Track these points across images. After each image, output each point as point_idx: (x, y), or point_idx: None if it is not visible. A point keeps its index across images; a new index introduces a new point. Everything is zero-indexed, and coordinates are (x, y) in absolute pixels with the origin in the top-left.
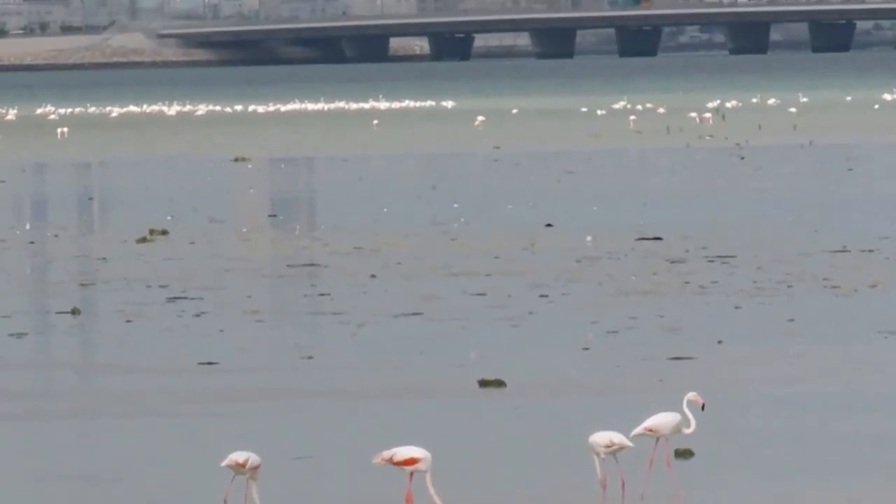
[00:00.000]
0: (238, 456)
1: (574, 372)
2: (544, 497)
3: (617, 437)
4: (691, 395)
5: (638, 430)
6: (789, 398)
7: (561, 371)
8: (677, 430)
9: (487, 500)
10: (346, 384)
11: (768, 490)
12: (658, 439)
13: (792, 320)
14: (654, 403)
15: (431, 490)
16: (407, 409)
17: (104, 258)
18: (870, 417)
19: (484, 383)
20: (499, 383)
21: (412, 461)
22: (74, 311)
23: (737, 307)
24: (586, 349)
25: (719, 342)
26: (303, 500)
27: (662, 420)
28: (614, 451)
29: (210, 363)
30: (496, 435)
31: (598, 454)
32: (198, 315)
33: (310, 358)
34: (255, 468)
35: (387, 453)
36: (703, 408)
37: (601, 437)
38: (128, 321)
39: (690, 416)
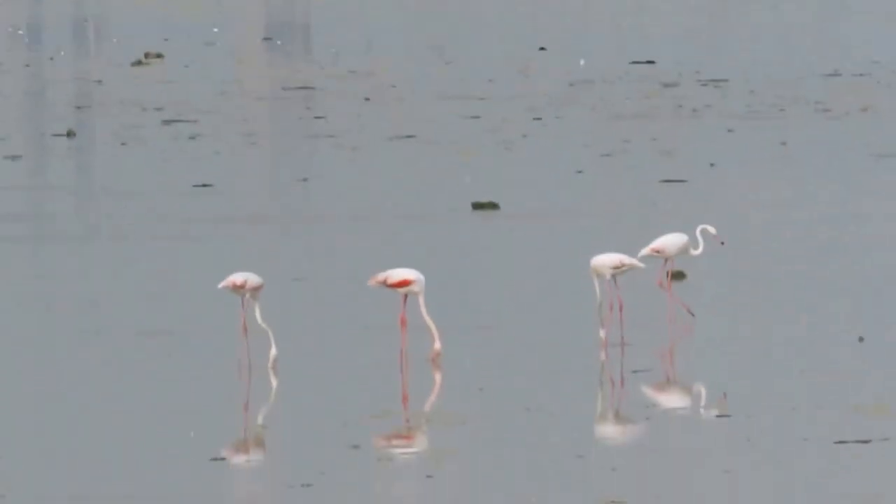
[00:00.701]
0: (237, 277)
1: (567, 195)
2: (537, 317)
3: (627, 259)
4: (709, 227)
5: (645, 251)
6: (781, 220)
7: (554, 194)
8: (684, 250)
9: (479, 320)
10: (341, 206)
11: (758, 310)
12: (666, 260)
13: (784, 143)
14: (647, 226)
15: (424, 312)
16: (401, 231)
17: (99, 81)
18: (860, 236)
19: (477, 206)
20: (492, 206)
21: (406, 283)
22: (70, 134)
23: (730, 130)
24: (580, 172)
25: (712, 165)
26: (299, 320)
27: (670, 241)
28: (622, 273)
29: (205, 185)
30: (489, 257)
31: (602, 276)
32: (192, 138)
33: (305, 180)
34: (256, 289)
35: (381, 276)
36: (721, 244)
37: (608, 259)
38: (123, 144)
39: (700, 238)
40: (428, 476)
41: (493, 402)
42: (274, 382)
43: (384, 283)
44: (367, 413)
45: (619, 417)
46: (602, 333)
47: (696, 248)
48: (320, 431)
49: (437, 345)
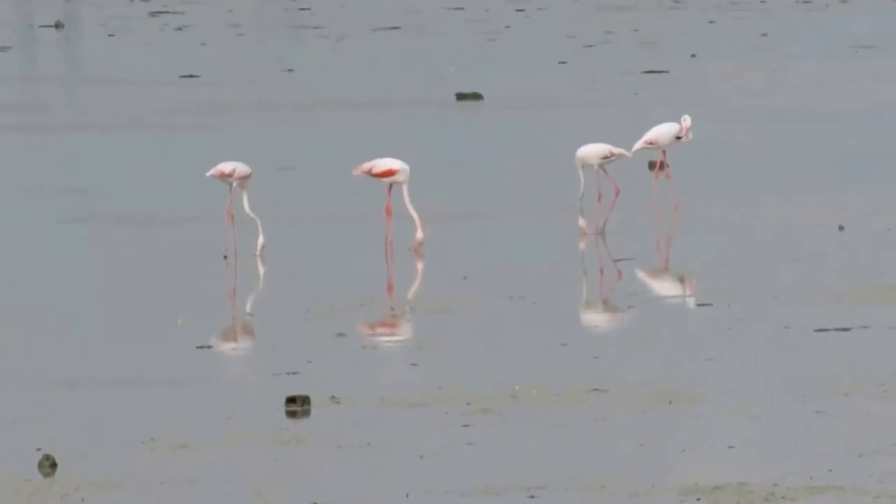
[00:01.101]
0: (224, 166)
1: (550, 85)
2: (521, 207)
3: (614, 148)
4: (687, 117)
5: (639, 144)
6: (761, 110)
7: (537, 84)
8: (676, 136)
9: (463, 210)
10: (327, 96)
11: (740, 199)
12: (663, 151)
13: (765, 35)
14: (631, 116)
15: (408, 201)
16: (385, 120)
17: None
18: (839, 129)
19: (461, 96)
20: (476, 96)
21: (390, 173)
22: (58, 25)
23: (711, 21)
24: (563, 63)
25: (693, 56)
26: (286, 209)
27: (662, 131)
28: (609, 162)
29: (192, 76)
30: (473, 147)
31: (589, 166)
32: (179, 29)
33: (290, 71)
34: (244, 177)
35: (366, 165)
36: (678, 139)
37: (596, 149)
38: (110, 35)
39: (688, 116)
40: (413, 364)
41: (477, 291)
42: (261, 270)
43: (369, 173)
44: (353, 301)
45: (602, 306)
46: (582, 223)
47: (685, 124)
48: (306, 320)
49: (420, 234)
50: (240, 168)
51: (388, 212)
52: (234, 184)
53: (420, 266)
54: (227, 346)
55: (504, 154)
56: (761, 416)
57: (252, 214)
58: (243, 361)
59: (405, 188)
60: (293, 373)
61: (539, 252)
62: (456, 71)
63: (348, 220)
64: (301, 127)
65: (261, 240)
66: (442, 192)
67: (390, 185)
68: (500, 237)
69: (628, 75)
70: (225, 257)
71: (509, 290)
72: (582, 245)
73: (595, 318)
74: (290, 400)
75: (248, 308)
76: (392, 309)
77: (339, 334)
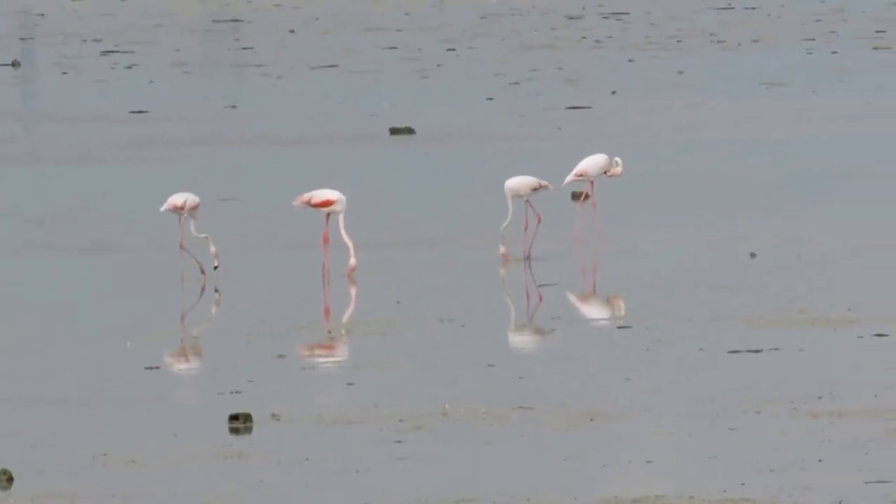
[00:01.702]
0: (176, 199)
1: (479, 120)
2: (451, 235)
3: (542, 181)
4: (618, 160)
5: (570, 177)
6: (679, 144)
7: (467, 119)
8: (605, 169)
9: (396, 237)
10: (268, 131)
11: (659, 228)
12: (591, 182)
13: (682, 72)
14: (555, 149)
15: (343, 230)
16: (323, 154)
17: (42, 14)
18: (752, 161)
19: (395, 131)
20: (409, 131)
21: (328, 203)
22: (14, 64)
23: (630, 60)
24: (490, 99)
25: (613, 92)
26: (228, 239)
27: (591, 163)
28: (537, 193)
29: (141, 112)
30: (406, 179)
31: (520, 196)
32: (129, 67)
33: (234, 107)
34: (194, 208)
35: (305, 196)
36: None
37: (527, 180)
38: (64, 73)
39: (619, 159)
40: (349, 383)
41: (410, 314)
42: (206, 296)
43: (308, 203)
44: (292, 324)
45: (528, 329)
46: (503, 249)
47: (617, 167)
48: (248, 342)
49: (353, 261)
50: (190, 199)
51: (325, 240)
52: (185, 214)
53: (355, 291)
54: (175, 367)
55: (435, 185)
56: (677, 432)
57: (201, 236)
58: (189, 381)
59: (341, 218)
60: (236, 392)
61: (468, 278)
62: (390, 107)
63: (287, 248)
64: (243, 160)
65: (213, 251)
66: (376, 221)
67: (328, 215)
68: (431, 264)
69: (552, 111)
70: (204, 271)
71: (440, 313)
72: (508, 271)
73: (521, 340)
74: (233, 417)
75: (194, 331)
76: (329, 331)
77: (280, 355)
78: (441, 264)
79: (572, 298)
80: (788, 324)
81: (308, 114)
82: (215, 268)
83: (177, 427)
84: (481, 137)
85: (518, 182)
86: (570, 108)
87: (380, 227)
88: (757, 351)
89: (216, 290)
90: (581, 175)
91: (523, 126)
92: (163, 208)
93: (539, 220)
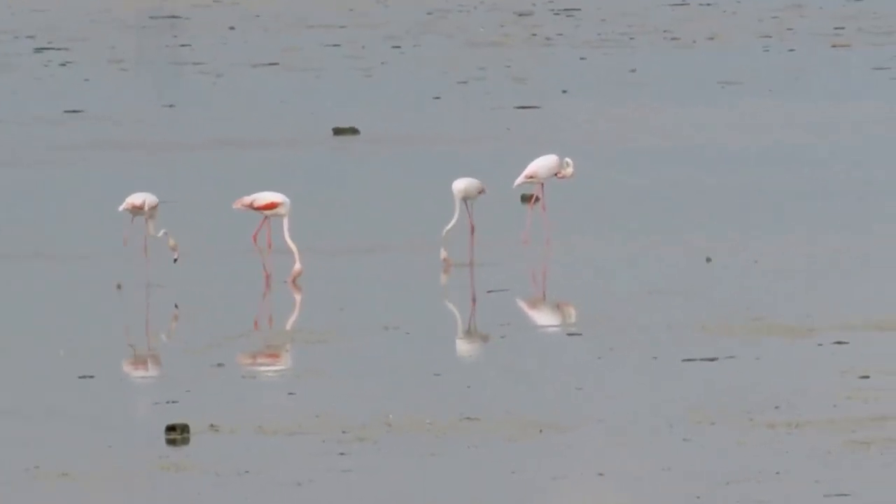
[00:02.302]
0: (135, 198)
1: (425, 120)
2: (396, 239)
3: (484, 185)
4: (569, 160)
5: (520, 179)
6: (631, 145)
7: (413, 120)
8: (555, 171)
9: (340, 242)
10: (207, 131)
11: (611, 233)
12: (542, 184)
13: (634, 71)
14: (503, 150)
15: (287, 234)
16: (265, 156)
17: None
18: (708, 165)
19: (338, 131)
20: (353, 131)
21: (272, 205)
22: None
23: (581, 58)
24: (437, 98)
25: (564, 92)
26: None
27: (541, 164)
28: (481, 196)
29: (76, 111)
30: (349, 180)
31: (466, 198)
32: (63, 65)
33: (172, 106)
34: (154, 207)
35: (247, 198)
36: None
37: (475, 183)
38: None
39: (570, 160)
40: (290, 393)
41: (353, 322)
42: (143, 303)
43: (251, 206)
44: (232, 332)
45: (475, 336)
46: (444, 254)
47: (567, 167)
48: (186, 350)
49: (298, 266)
50: (149, 199)
51: (269, 245)
52: (146, 215)
53: (298, 298)
54: (109, 376)
55: (380, 188)
56: (630, 444)
57: (159, 234)
58: (124, 391)
59: (285, 221)
60: (173, 402)
61: (413, 284)
62: (333, 106)
63: (228, 254)
64: (182, 162)
65: (172, 244)
66: (320, 225)
67: (269, 219)
68: (375, 269)
69: (501, 110)
70: (119, 287)
71: (384, 321)
72: (455, 276)
73: (468, 349)
74: (170, 428)
75: (129, 339)
76: (270, 340)
77: (219, 364)
78: (385, 270)
79: (521, 305)
80: (744, 331)
81: (249, 113)
82: (175, 261)
83: (111, 438)
84: (427, 138)
85: (467, 183)
86: (519, 107)
87: (322, 231)
88: (712, 359)
89: (151, 297)
90: (531, 177)
91: (471, 126)
92: (121, 208)
93: (473, 230)
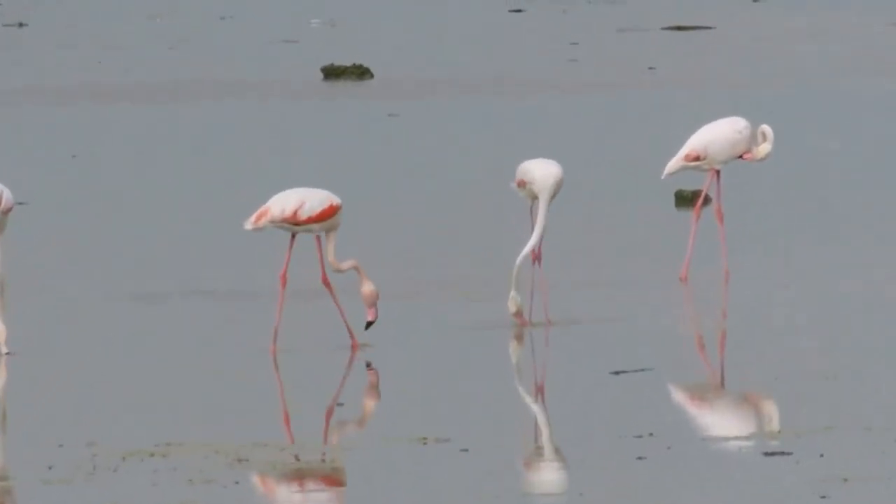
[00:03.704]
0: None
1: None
2: (429, 274)
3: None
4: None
5: (675, 162)
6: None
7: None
8: (741, 147)
9: (343, 278)
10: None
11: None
12: (717, 173)
13: (520, 11)
14: (633, 104)
15: (333, 251)
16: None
17: None
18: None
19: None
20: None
21: (332, 211)
22: None
23: None
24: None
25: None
26: None
27: (716, 135)
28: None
29: None
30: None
31: (554, 196)
32: None
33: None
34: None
35: (282, 208)
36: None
37: (559, 170)
38: None
39: (768, 129)
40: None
41: (372, 430)
42: None
43: (291, 221)
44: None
45: (591, 462)
46: (514, 304)
47: (759, 143)
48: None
49: (369, 285)
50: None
51: (285, 283)
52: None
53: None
54: None
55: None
56: None
57: None
58: None
59: (334, 234)
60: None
61: (467, 355)
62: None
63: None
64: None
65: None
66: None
67: (323, 236)
68: (398, 327)
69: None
70: None
71: (421, 428)
72: (535, 344)
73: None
74: None
75: None
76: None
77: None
78: (413, 328)
79: (677, 398)
80: None
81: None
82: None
83: None
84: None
85: (558, 171)
86: (667, 28)
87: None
88: None
89: None
90: (697, 158)
91: (548, 56)
92: None
93: (538, 259)
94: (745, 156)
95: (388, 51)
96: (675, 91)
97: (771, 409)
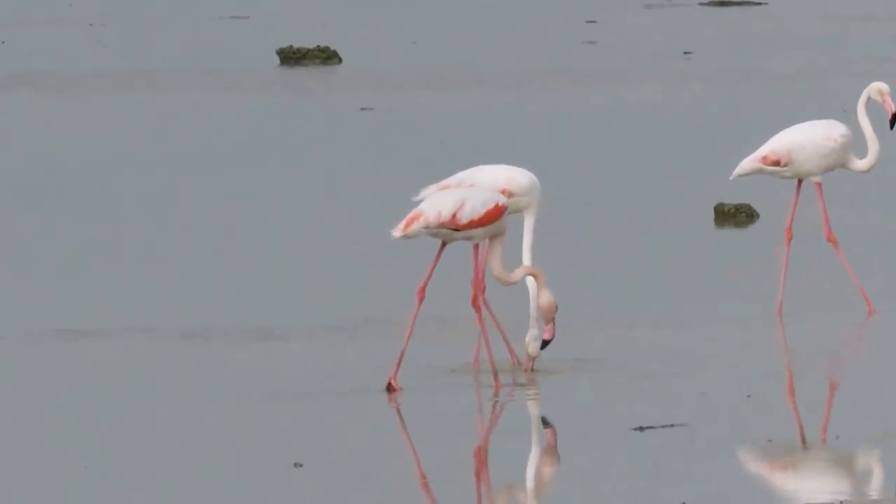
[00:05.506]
0: None
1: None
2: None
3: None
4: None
5: (747, 163)
6: None
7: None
8: (842, 156)
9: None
10: None
11: None
12: (819, 184)
13: None
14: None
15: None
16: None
17: None
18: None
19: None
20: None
21: (498, 213)
22: None
23: None
24: None
25: None
26: None
27: (805, 138)
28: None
29: None
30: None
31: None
32: None
33: None
34: None
35: (445, 210)
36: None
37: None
38: None
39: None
40: None
41: None
42: None
43: (451, 225)
44: None
45: None
46: (531, 362)
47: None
48: None
49: (548, 295)
50: None
51: (481, 287)
52: None
53: None
54: None
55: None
56: None
57: None
58: None
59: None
60: None
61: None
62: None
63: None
64: None
65: None
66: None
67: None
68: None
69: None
70: None
71: None
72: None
73: None
74: None
75: None
76: None
77: None
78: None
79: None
80: None
81: None
82: None
83: None
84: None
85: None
86: (706, 3)
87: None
88: None
89: None
90: (777, 162)
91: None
92: None
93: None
94: (850, 165)
95: (358, 29)
96: (715, 82)
97: (836, 477)
